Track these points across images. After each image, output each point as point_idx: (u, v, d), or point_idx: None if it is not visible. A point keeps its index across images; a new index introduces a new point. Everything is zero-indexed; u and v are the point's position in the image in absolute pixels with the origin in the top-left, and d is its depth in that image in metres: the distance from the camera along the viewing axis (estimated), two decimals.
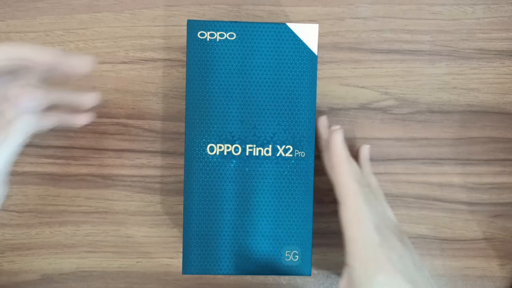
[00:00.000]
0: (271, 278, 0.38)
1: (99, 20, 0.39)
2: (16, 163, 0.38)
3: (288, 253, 0.31)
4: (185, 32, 0.35)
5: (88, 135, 0.38)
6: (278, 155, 0.31)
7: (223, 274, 0.31)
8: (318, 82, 0.38)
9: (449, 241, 0.38)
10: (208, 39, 0.31)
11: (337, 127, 0.32)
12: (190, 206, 0.31)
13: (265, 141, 0.31)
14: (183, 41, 0.38)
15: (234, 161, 0.31)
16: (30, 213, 0.38)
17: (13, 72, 0.29)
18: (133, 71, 0.38)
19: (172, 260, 0.38)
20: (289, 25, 0.31)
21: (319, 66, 0.38)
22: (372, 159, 0.38)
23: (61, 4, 0.39)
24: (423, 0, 0.38)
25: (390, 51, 0.38)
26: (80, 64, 0.29)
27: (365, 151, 0.37)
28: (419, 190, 0.38)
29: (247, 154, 0.31)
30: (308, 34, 0.31)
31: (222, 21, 0.31)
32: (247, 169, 0.31)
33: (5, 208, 0.38)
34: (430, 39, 0.38)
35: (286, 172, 0.31)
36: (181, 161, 0.38)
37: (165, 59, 0.38)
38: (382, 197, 0.34)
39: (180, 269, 0.38)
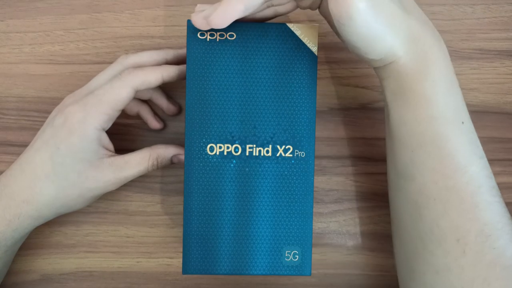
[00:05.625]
0: (271, 278, 0.38)
1: (99, 20, 0.39)
2: None
3: (288, 253, 0.31)
4: (185, 32, 0.35)
5: None
6: (278, 155, 0.31)
7: (223, 274, 0.31)
8: (318, 82, 0.38)
9: None
10: (208, 39, 0.31)
11: None
12: (190, 206, 0.31)
13: (265, 141, 0.31)
14: (183, 41, 0.38)
15: (234, 161, 0.31)
16: None
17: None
18: None
19: (172, 260, 0.38)
20: (289, 25, 0.31)
21: (319, 66, 0.38)
22: (372, 159, 0.38)
23: (61, 4, 0.39)
24: (423, 0, 0.38)
25: None
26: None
27: None
28: None
29: (247, 154, 0.31)
30: (308, 34, 0.31)
31: None
32: (247, 169, 0.31)
33: None
34: None
35: (286, 172, 0.31)
36: None
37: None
38: None
39: (180, 269, 0.38)
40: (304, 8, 0.31)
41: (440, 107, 0.28)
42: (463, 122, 0.28)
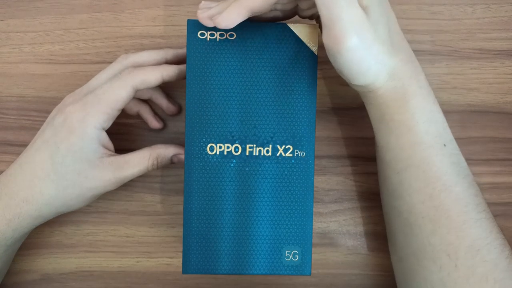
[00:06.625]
0: (271, 278, 0.38)
1: (99, 20, 0.39)
2: None
3: (288, 253, 0.31)
4: (185, 32, 0.35)
5: None
6: (278, 155, 0.31)
7: (223, 274, 0.31)
8: (318, 82, 0.38)
9: None
10: (208, 39, 0.31)
11: None
12: (190, 206, 0.31)
13: (265, 141, 0.31)
14: (183, 41, 0.38)
15: (234, 161, 0.31)
16: None
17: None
18: None
19: (172, 260, 0.38)
20: (289, 25, 0.31)
21: (319, 66, 0.38)
22: (373, 159, 0.38)
23: (61, 4, 0.39)
24: (423, 0, 0.38)
25: None
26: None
27: None
28: None
29: (247, 154, 0.31)
30: (308, 34, 0.31)
31: None
32: (247, 169, 0.31)
33: None
34: (430, 39, 0.38)
35: (286, 172, 0.31)
36: None
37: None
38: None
39: (180, 269, 0.38)
40: (303, 18, 0.32)
41: (422, 134, 0.29)
42: (445, 145, 0.29)
